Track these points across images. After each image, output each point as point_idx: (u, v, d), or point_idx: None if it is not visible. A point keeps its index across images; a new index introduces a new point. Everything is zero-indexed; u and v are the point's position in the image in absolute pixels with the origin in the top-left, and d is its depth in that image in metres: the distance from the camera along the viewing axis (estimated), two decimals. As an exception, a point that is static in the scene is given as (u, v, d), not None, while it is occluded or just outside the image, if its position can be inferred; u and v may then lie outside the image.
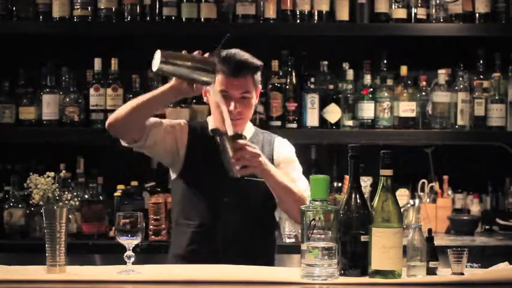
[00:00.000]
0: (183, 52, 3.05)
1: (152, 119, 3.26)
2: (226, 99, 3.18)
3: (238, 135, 3.06)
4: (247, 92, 3.23)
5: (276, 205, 3.34)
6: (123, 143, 3.27)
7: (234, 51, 3.26)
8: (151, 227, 4.30)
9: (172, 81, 3.09)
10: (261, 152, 3.11)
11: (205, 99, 3.34)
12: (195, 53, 3.06)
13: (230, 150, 3.03)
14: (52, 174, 2.72)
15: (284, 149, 3.36)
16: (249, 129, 3.35)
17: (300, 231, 2.91)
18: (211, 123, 3.33)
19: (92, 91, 4.51)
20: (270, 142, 3.36)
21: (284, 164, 3.31)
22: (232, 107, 3.18)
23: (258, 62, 3.28)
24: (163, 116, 4.49)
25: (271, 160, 3.29)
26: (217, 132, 3.15)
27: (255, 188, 3.20)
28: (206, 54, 3.07)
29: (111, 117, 3.18)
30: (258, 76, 3.30)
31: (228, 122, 3.08)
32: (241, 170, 3.05)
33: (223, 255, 3.14)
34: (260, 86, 3.34)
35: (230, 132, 3.06)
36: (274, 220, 3.38)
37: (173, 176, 3.35)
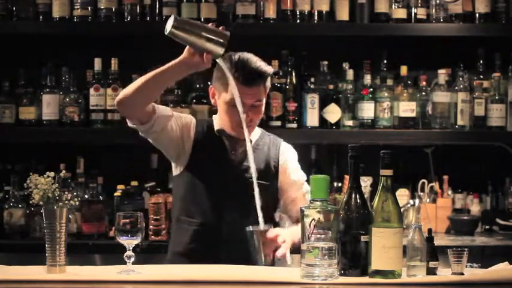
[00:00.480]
0: (197, 21, 3.02)
1: (162, 107, 3.25)
2: (237, 107, 3.18)
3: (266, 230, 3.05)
4: (259, 100, 3.24)
5: (277, 206, 3.35)
6: (130, 124, 3.22)
7: (246, 57, 3.23)
8: (151, 227, 4.30)
9: (183, 54, 3.04)
10: (286, 234, 3.06)
11: (212, 101, 3.33)
12: (209, 24, 3.03)
13: (261, 246, 3.03)
14: (52, 174, 2.72)
15: (289, 156, 3.38)
16: (255, 132, 3.36)
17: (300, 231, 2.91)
18: (217, 123, 3.33)
19: (92, 91, 4.51)
20: (277, 146, 3.37)
21: (290, 169, 3.34)
22: (244, 115, 3.17)
23: (271, 70, 3.29)
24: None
25: (277, 163, 3.32)
26: (223, 133, 3.21)
27: (259, 191, 3.20)
28: (221, 28, 3.02)
29: (121, 93, 3.15)
30: (269, 82, 3.30)
31: (246, 134, 3.11)
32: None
33: (224, 255, 3.14)
34: (268, 90, 3.34)
35: (247, 140, 3.08)
36: (274, 222, 3.38)
37: (176, 171, 3.34)
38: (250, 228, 3.04)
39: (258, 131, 3.39)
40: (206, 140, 3.28)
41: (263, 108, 3.29)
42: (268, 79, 3.29)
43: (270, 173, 3.30)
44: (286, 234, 3.05)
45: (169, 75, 3.13)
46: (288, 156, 3.38)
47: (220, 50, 2.99)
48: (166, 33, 2.97)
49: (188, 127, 3.29)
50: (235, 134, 3.25)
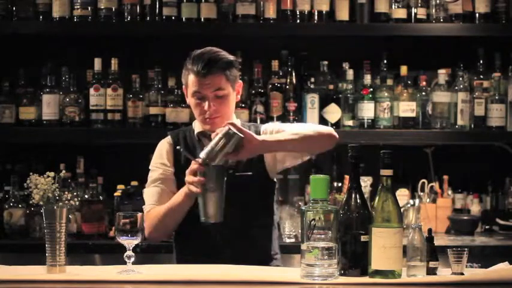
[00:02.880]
0: (211, 145, 3.02)
1: (154, 192, 3.30)
2: (201, 100, 3.18)
3: (229, 134, 3.03)
4: (220, 89, 3.18)
5: (273, 196, 3.32)
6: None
7: (204, 49, 3.22)
8: (151, 227, 4.29)
9: (186, 190, 3.08)
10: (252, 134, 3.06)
11: (187, 101, 3.29)
12: (214, 136, 3.02)
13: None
14: (52, 174, 2.72)
15: (270, 127, 3.31)
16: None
17: (300, 231, 2.91)
18: (197, 126, 3.31)
19: (92, 91, 4.51)
20: (256, 132, 3.26)
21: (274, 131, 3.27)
22: (206, 106, 3.16)
23: (229, 57, 3.22)
24: (163, 117, 4.51)
25: None
26: (204, 134, 3.22)
27: (249, 183, 3.19)
28: (219, 130, 3.03)
29: (152, 237, 3.21)
30: (234, 72, 3.22)
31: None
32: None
33: (222, 253, 3.13)
34: (240, 82, 3.28)
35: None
36: (272, 212, 3.34)
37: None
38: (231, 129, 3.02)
39: (237, 123, 3.33)
40: (186, 149, 3.24)
41: (231, 98, 3.23)
42: (233, 70, 3.22)
43: (254, 162, 3.22)
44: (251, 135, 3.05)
45: (182, 209, 3.15)
46: (268, 128, 3.30)
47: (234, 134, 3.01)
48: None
49: (168, 159, 3.29)
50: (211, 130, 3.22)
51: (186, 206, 3.12)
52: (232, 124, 3.02)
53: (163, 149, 3.33)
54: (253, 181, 3.20)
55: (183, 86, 3.30)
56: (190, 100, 3.24)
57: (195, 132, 3.30)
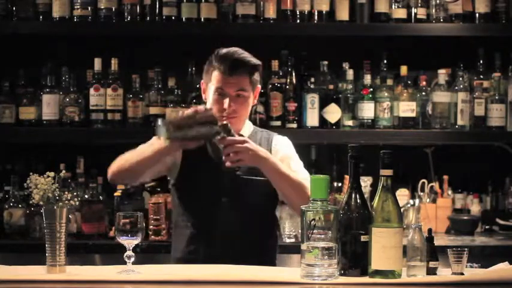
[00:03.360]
0: (182, 115, 3.04)
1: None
2: (222, 97, 3.20)
3: (226, 129, 3.06)
4: (243, 89, 3.22)
5: (276, 204, 3.34)
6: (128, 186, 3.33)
7: (232, 49, 3.26)
8: (151, 227, 4.30)
9: (169, 147, 3.08)
10: (249, 140, 3.11)
11: (203, 96, 3.34)
12: (191, 110, 3.04)
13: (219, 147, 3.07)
14: (52, 174, 2.72)
15: (282, 146, 3.34)
16: (247, 128, 3.34)
17: (300, 231, 2.91)
18: None
19: (92, 91, 4.51)
20: (268, 140, 3.33)
21: (283, 160, 3.28)
22: (226, 104, 3.19)
23: (256, 61, 3.27)
24: (163, 117, 4.50)
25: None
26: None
27: (254, 188, 3.19)
28: (200, 107, 3.07)
29: (111, 171, 3.24)
30: (256, 76, 3.29)
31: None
32: (232, 163, 3.07)
33: (222, 256, 3.13)
34: (259, 86, 3.33)
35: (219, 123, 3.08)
36: (274, 220, 3.37)
37: (171, 180, 3.35)
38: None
39: (250, 128, 3.36)
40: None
41: (250, 101, 3.27)
42: (256, 74, 3.27)
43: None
44: (254, 146, 3.10)
45: (160, 156, 3.16)
46: (279, 146, 3.33)
47: (214, 129, 3.03)
48: (163, 141, 3.02)
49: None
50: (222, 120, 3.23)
51: (166, 152, 3.12)
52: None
53: None
54: (259, 185, 3.20)
55: (202, 82, 3.33)
56: (210, 96, 3.26)
57: None
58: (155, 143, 3.14)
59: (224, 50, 3.26)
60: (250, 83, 3.25)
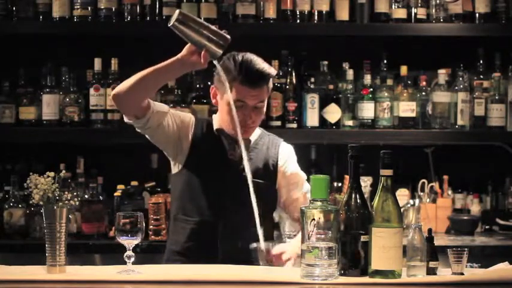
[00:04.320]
0: (201, 19, 3.04)
1: (158, 104, 3.26)
2: (241, 108, 3.19)
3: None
4: (262, 101, 3.24)
5: (275, 207, 3.35)
6: (126, 119, 3.22)
7: (250, 57, 3.23)
8: (151, 227, 4.30)
9: (182, 52, 3.05)
10: (290, 251, 3.06)
11: (213, 101, 3.32)
12: (213, 26, 3.03)
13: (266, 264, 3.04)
14: (52, 174, 2.72)
15: (290, 159, 3.36)
16: (255, 132, 3.35)
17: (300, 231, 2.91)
18: (216, 122, 3.32)
19: (92, 91, 4.51)
20: (276, 145, 3.36)
21: (293, 177, 3.33)
22: (247, 116, 3.20)
23: (274, 71, 3.28)
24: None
25: (275, 162, 3.31)
26: (222, 133, 3.24)
27: (256, 190, 3.19)
28: (223, 31, 3.04)
29: (117, 87, 3.14)
30: (271, 83, 3.29)
31: (239, 133, 3.09)
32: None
33: (221, 253, 3.14)
34: (270, 91, 3.34)
35: (240, 139, 3.07)
36: (272, 222, 3.39)
37: (174, 170, 3.33)
38: (254, 245, 3.03)
39: (257, 131, 3.38)
40: (205, 139, 3.28)
41: (264, 109, 3.29)
42: (271, 80, 3.28)
43: (268, 172, 3.29)
44: (290, 250, 3.05)
45: (166, 72, 3.14)
46: (287, 157, 3.37)
47: (218, 51, 3.01)
48: (169, 25, 2.99)
49: (186, 125, 3.28)
50: (235, 134, 3.24)
51: (172, 69, 3.11)
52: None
53: (187, 117, 3.32)
54: (263, 189, 3.20)
55: (212, 87, 3.30)
56: (224, 103, 3.23)
57: (214, 128, 3.31)
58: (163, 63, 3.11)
59: (241, 58, 3.22)
60: (268, 92, 3.27)
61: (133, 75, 3.14)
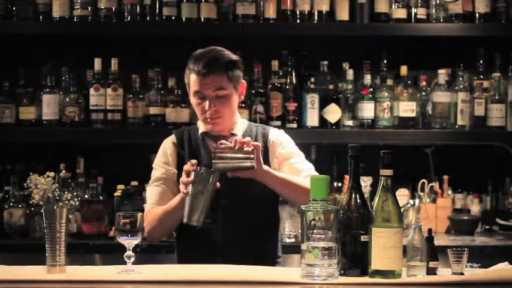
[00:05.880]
0: (225, 145, 3.04)
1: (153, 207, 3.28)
2: (202, 99, 3.16)
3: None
4: (221, 89, 3.16)
5: (277, 204, 3.33)
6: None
7: (206, 49, 3.21)
8: (151, 227, 4.29)
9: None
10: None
11: (191, 100, 3.30)
12: (234, 143, 3.03)
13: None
14: (52, 174, 2.72)
15: (281, 143, 3.28)
16: (240, 125, 3.29)
17: (300, 231, 2.91)
18: (201, 126, 3.29)
19: (92, 91, 4.51)
20: (264, 135, 3.28)
21: (284, 160, 3.25)
22: (207, 106, 3.15)
23: (232, 57, 3.21)
24: (163, 117, 4.51)
25: (266, 152, 3.24)
26: (208, 135, 3.22)
27: (252, 189, 3.18)
28: (246, 139, 3.04)
29: (151, 236, 3.21)
30: (236, 72, 3.21)
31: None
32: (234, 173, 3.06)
33: (223, 258, 3.12)
34: (243, 82, 3.26)
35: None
36: (276, 220, 3.36)
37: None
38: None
39: (244, 124, 3.31)
40: (190, 149, 3.25)
41: (233, 99, 3.21)
42: (236, 70, 3.21)
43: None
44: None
45: (178, 211, 3.13)
46: (277, 143, 3.27)
47: (251, 164, 3.02)
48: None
49: (172, 161, 3.26)
50: (217, 132, 3.22)
51: (181, 208, 3.10)
52: (257, 148, 3.03)
53: (167, 148, 3.31)
54: (260, 185, 3.19)
55: (187, 86, 3.28)
56: (192, 100, 3.23)
57: (199, 132, 3.28)
58: (176, 201, 3.14)
59: (199, 51, 3.21)
60: (230, 80, 3.18)
61: (153, 222, 3.19)
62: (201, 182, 3.00)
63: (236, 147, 3.01)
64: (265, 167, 3.09)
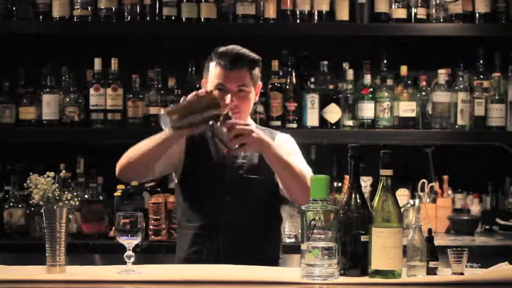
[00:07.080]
0: (184, 102, 3.02)
1: None
2: (224, 93, 3.17)
3: (227, 117, 3.05)
4: (244, 85, 3.20)
5: (280, 203, 3.32)
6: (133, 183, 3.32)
7: (231, 46, 3.25)
8: (151, 227, 4.30)
9: (173, 135, 3.07)
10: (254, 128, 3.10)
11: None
12: (192, 95, 3.02)
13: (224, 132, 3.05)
14: (52, 174, 2.72)
15: (285, 143, 3.31)
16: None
17: (300, 231, 2.91)
18: None
19: (92, 91, 4.51)
20: (271, 138, 3.28)
21: (287, 154, 3.22)
22: (228, 100, 3.15)
23: (255, 56, 3.26)
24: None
25: None
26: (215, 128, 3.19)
27: (256, 187, 3.19)
28: (201, 91, 3.06)
29: (121, 169, 3.24)
30: (257, 72, 3.26)
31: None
32: (239, 148, 3.05)
33: (225, 256, 3.13)
34: (260, 83, 3.31)
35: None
36: (278, 219, 3.35)
37: (176, 179, 3.34)
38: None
39: (253, 125, 3.32)
40: (198, 142, 3.26)
41: (252, 97, 3.24)
42: (257, 70, 3.25)
43: (265, 166, 3.18)
44: (258, 132, 3.09)
45: (166, 146, 3.13)
46: (282, 142, 3.30)
47: (218, 112, 3.01)
48: (168, 131, 3.01)
49: (179, 145, 3.25)
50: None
51: (170, 143, 3.11)
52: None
53: None
54: (262, 184, 3.20)
55: (203, 81, 3.30)
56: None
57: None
58: (160, 135, 3.11)
59: (224, 47, 3.24)
60: (251, 78, 3.22)
61: (129, 154, 3.22)
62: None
63: (200, 101, 3.02)
64: (268, 139, 3.10)
